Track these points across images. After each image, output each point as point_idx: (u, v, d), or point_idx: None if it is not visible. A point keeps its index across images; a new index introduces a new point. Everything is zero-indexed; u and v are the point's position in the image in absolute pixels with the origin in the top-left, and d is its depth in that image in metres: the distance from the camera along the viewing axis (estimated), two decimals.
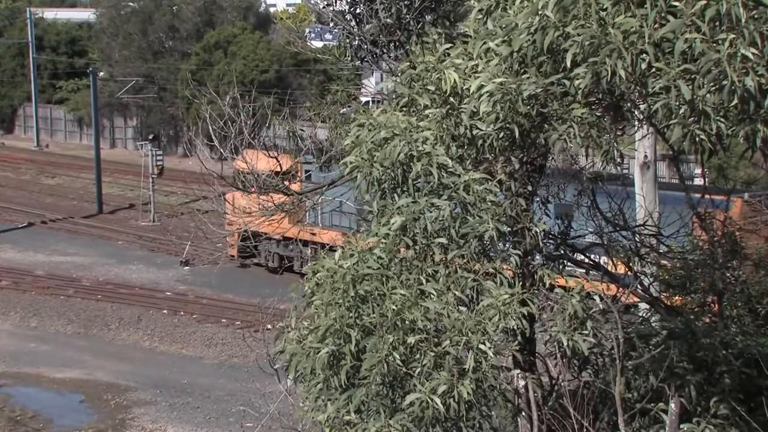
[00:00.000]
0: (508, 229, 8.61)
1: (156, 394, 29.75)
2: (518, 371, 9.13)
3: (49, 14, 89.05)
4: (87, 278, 41.71)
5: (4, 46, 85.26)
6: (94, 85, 61.12)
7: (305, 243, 39.76)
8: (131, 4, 74.28)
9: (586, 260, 10.52)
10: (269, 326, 13.68)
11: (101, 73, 70.94)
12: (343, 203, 35.64)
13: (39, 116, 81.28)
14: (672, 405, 9.22)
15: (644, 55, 7.03)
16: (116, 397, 29.68)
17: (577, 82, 7.43)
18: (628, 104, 7.87)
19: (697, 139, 7.04)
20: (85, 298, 38.63)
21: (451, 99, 8.50)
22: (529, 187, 9.27)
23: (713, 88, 6.81)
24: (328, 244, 35.94)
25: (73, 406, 29.40)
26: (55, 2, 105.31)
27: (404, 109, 8.89)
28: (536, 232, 8.80)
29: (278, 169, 39.12)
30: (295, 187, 37.46)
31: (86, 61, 79.34)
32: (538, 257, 9.47)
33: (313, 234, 39.39)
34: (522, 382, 9.30)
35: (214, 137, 15.90)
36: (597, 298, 8.73)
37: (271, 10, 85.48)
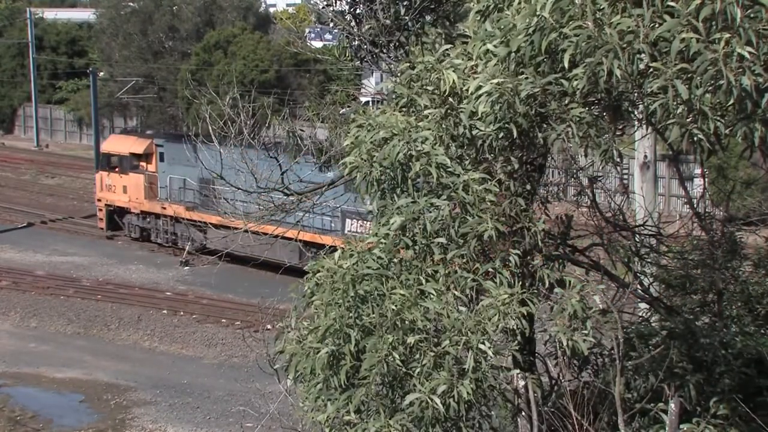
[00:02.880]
0: (508, 228, 8.61)
1: (156, 394, 29.76)
2: (518, 371, 9.12)
3: (49, 14, 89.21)
4: (87, 278, 41.73)
5: (4, 46, 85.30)
6: (94, 85, 61.15)
7: (158, 216, 45.98)
8: (131, 4, 74.21)
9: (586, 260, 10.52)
10: (269, 326, 13.69)
11: (101, 73, 70.94)
12: (186, 180, 43.77)
13: (39, 116, 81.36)
14: (672, 405, 9.22)
15: (641, 55, 7.04)
16: (116, 397, 29.69)
17: (575, 83, 7.44)
18: (627, 104, 7.87)
19: (696, 138, 7.05)
20: (85, 298, 38.65)
21: (450, 99, 8.51)
22: (529, 187, 9.27)
23: (710, 87, 6.81)
24: (174, 216, 44.15)
25: (73, 406, 29.41)
26: (55, 2, 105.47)
27: (403, 109, 8.89)
28: (536, 231, 8.80)
29: (137, 150, 42.12)
30: (150, 166, 45.46)
31: (86, 61, 79.42)
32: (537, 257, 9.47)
33: (164, 208, 45.52)
34: (522, 382, 9.30)
35: (213, 137, 15.89)
36: (596, 298, 8.72)
37: (271, 10, 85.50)
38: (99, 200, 48.85)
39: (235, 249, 37.84)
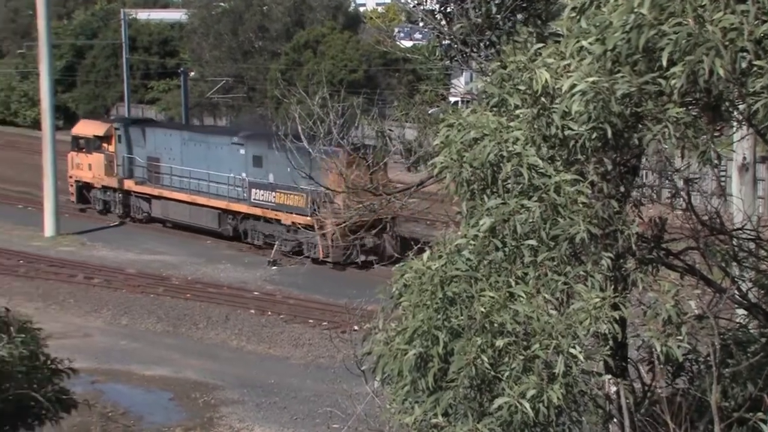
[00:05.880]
0: (600, 231, 8.43)
1: (243, 394, 29.93)
2: (609, 376, 8.95)
3: (142, 15, 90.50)
4: (176, 277, 42.19)
5: (98, 47, 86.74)
6: (185, 85, 61.93)
7: (115, 190, 53.66)
8: (222, 4, 75.03)
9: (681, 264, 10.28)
10: (356, 327, 13.64)
11: (192, 73, 71.87)
12: (136, 159, 51.54)
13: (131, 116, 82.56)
14: None
15: (744, 53, 6.82)
16: (204, 396, 29.93)
17: (672, 82, 7.24)
18: (727, 104, 7.65)
19: None
20: (174, 297, 39.06)
21: (543, 99, 8.35)
22: (622, 189, 9.08)
23: None
24: (132, 191, 52.34)
25: (162, 404, 29.73)
26: (148, 3, 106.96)
27: (494, 109, 8.77)
28: (629, 234, 8.61)
29: (99, 133, 51.50)
30: (110, 147, 53.27)
31: (177, 61, 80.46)
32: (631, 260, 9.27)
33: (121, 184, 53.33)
34: (613, 388, 9.12)
35: (303, 137, 15.90)
36: (692, 303, 8.51)
37: (361, 9, 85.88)
38: (70, 177, 55.78)
39: (171, 218, 50.15)
